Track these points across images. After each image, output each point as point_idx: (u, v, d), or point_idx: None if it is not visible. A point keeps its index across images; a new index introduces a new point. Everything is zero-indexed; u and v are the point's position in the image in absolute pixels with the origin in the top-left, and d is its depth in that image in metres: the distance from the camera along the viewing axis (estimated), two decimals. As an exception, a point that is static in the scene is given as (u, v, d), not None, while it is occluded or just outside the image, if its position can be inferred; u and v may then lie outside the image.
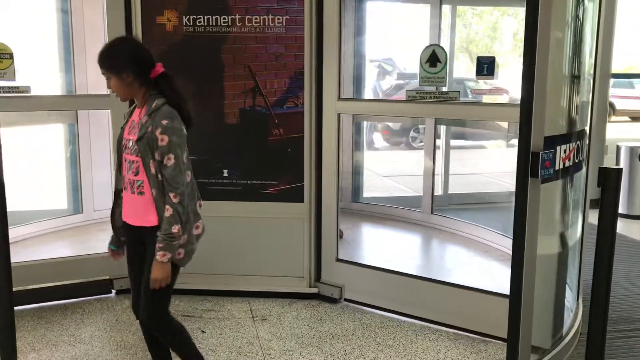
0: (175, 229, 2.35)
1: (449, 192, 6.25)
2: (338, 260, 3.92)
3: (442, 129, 6.03)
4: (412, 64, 11.28)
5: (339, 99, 3.78)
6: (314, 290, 3.93)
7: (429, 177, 5.54)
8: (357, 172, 6.01)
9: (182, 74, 3.65)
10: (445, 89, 4.01)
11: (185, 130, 2.44)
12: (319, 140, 3.82)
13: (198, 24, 3.69)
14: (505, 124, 5.35)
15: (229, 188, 3.85)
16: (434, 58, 3.54)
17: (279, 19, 3.70)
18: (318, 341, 3.33)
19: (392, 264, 3.95)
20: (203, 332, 3.42)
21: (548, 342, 3.03)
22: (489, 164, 8.31)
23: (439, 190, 6.05)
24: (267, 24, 3.71)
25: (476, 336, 3.41)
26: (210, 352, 3.17)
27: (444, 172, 6.15)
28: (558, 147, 2.59)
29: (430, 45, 3.81)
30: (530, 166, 2.47)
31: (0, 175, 2.12)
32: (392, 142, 11.20)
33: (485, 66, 3.57)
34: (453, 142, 6.43)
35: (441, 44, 5.35)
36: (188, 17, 3.67)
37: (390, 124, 10.87)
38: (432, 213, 5.45)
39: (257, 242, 3.91)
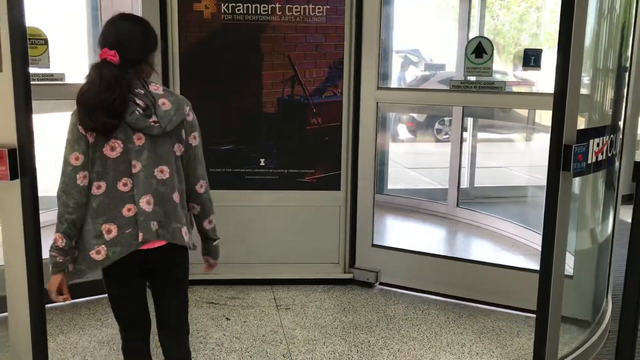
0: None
1: (475, 185, 6.20)
2: (373, 245, 4.02)
3: (469, 121, 5.97)
4: (439, 55, 11.16)
5: (378, 88, 3.84)
6: (348, 275, 4.01)
7: (455, 169, 5.48)
8: (381, 164, 5.98)
9: (219, 62, 3.68)
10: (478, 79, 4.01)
11: (75, 125, 2.02)
12: (356, 129, 3.87)
13: (237, 11, 3.66)
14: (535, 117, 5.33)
15: (266, 177, 3.87)
16: (480, 49, 3.68)
17: (319, 8, 3.73)
18: (342, 332, 3.33)
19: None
20: (227, 319, 3.44)
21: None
22: (517, 157, 8.21)
23: (465, 183, 6.00)
24: (307, 13, 3.72)
25: (505, 327, 3.38)
26: (234, 340, 3.20)
27: (470, 165, 6.10)
28: (591, 141, 2.54)
29: (477, 37, 3.93)
30: (562, 159, 2.42)
31: (32, 163, 2.14)
32: (417, 134, 11.11)
33: (532, 58, 3.86)
34: (480, 135, 6.37)
35: (469, 35, 5.31)
36: (227, 4, 3.64)
37: (415, 115, 10.78)
38: (457, 206, 5.40)
39: (292, 230, 3.96)
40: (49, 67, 3.51)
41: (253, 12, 3.68)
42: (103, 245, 2.01)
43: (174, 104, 2.10)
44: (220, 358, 3.01)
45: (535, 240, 4.47)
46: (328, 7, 3.73)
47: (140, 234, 2.02)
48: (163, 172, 2.08)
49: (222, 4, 3.64)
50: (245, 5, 3.66)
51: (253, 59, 3.74)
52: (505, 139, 8.21)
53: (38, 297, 2.23)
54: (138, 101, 2.03)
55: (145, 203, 2.03)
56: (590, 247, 3.41)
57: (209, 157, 3.63)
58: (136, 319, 2.25)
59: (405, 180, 7.68)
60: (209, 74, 3.71)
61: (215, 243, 2.35)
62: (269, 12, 3.70)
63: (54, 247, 2.02)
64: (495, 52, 3.81)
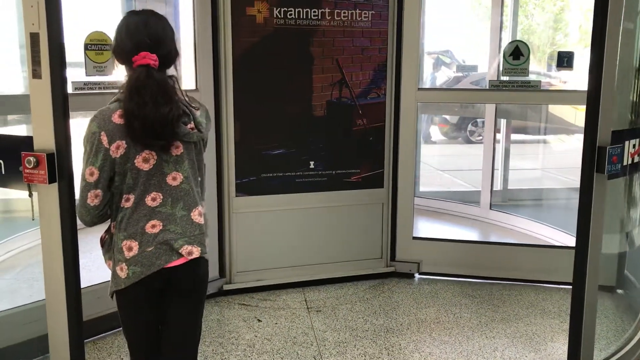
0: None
1: (509, 187, 6.12)
2: (414, 238, 4.22)
3: (502, 122, 5.90)
4: (471, 56, 11.04)
5: (419, 89, 4.05)
6: (390, 269, 4.18)
7: (488, 171, 5.42)
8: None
9: (271, 66, 3.73)
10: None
11: (96, 135, 1.84)
12: (396, 128, 4.04)
13: (289, 16, 3.70)
14: (569, 118, 5.34)
15: (315, 179, 3.93)
16: (517, 52, 3.94)
17: (365, 13, 3.84)
18: (372, 334, 3.33)
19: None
20: (259, 320, 3.47)
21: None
22: (551, 159, 8.06)
23: (498, 186, 5.92)
24: (354, 18, 3.82)
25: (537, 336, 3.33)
26: (265, 341, 3.23)
27: (503, 167, 6.03)
28: (626, 142, 2.48)
29: (514, 40, 4.19)
30: (596, 161, 2.38)
31: (69, 167, 2.20)
32: (450, 135, 11.01)
33: (566, 59, 4.16)
34: (513, 137, 6.28)
35: (502, 35, 5.28)
36: (279, 9, 3.67)
37: (448, 117, 10.69)
38: (490, 209, 5.34)
39: (337, 230, 4.05)
40: (111, 75, 3.33)
41: (304, 17, 3.73)
42: (125, 264, 1.89)
43: (201, 109, 2.00)
44: (251, 359, 3.04)
45: (569, 242, 4.39)
46: (373, 12, 3.87)
47: (187, 247, 1.90)
48: (197, 182, 2.02)
49: (275, 9, 3.67)
50: (297, 10, 3.71)
51: (304, 63, 3.79)
52: (539, 141, 8.06)
53: (75, 295, 2.28)
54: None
55: (197, 215, 1.94)
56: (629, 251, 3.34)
57: (262, 161, 3.77)
58: (147, 348, 2.03)
59: (438, 182, 7.62)
60: (262, 78, 3.73)
61: None
62: (319, 17, 3.76)
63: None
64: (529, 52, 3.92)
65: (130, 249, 1.89)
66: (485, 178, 5.44)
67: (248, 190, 3.76)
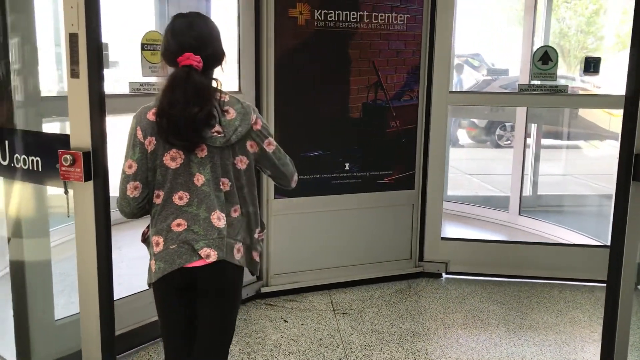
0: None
1: (538, 193, 6.04)
2: (442, 239, 4.28)
3: (533, 127, 5.82)
4: (502, 60, 10.93)
5: (450, 91, 4.12)
6: (419, 269, 4.23)
7: (517, 176, 5.36)
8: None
9: (311, 69, 3.75)
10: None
11: (133, 130, 1.93)
12: (427, 130, 4.10)
13: (329, 18, 3.71)
14: (603, 124, 5.33)
15: (350, 181, 3.95)
16: (546, 57, 4.01)
17: (401, 17, 3.88)
18: (399, 338, 3.31)
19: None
20: (285, 321, 3.49)
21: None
22: (583, 165, 7.93)
23: (527, 191, 5.85)
24: (390, 21, 3.85)
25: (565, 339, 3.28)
26: (292, 342, 3.23)
27: (533, 172, 5.95)
28: (665, 150, 2.42)
29: (543, 46, 4.25)
30: (633, 169, 2.32)
31: (105, 165, 2.24)
32: (478, 139, 10.91)
33: (592, 64, 4.23)
34: (544, 141, 6.20)
35: (534, 39, 5.23)
36: (320, 11, 3.67)
37: (476, 120, 10.59)
38: (519, 214, 5.28)
39: (368, 231, 4.06)
40: (163, 76, 3.35)
41: (343, 20, 3.74)
42: (153, 258, 1.94)
43: (240, 113, 1.92)
44: (278, 359, 3.05)
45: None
46: (408, 15, 3.90)
47: (206, 249, 1.90)
48: (224, 185, 1.95)
49: (316, 11, 3.67)
50: (336, 12, 3.71)
51: (342, 65, 3.81)
52: (571, 146, 7.93)
53: (107, 290, 2.33)
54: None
55: (217, 219, 1.92)
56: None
57: (300, 163, 3.72)
58: (178, 343, 2.06)
59: (465, 186, 7.56)
60: (301, 80, 3.74)
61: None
62: (357, 20, 3.77)
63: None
64: (560, 56, 3.93)
65: (157, 244, 1.93)
66: (515, 183, 5.38)
67: (286, 192, 3.75)
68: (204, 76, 1.88)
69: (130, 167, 1.91)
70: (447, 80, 4.09)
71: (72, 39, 2.16)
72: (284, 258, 3.86)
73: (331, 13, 3.69)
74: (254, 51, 3.59)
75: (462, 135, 10.71)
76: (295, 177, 2.15)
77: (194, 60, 1.85)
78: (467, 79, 11.13)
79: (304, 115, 3.78)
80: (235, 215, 1.98)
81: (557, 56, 4.01)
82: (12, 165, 2.42)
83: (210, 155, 1.91)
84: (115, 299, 2.39)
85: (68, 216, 2.30)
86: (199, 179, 1.91)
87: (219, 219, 1.92)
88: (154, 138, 1.89)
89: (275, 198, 3.76)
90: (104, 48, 2.72)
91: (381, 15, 3.81)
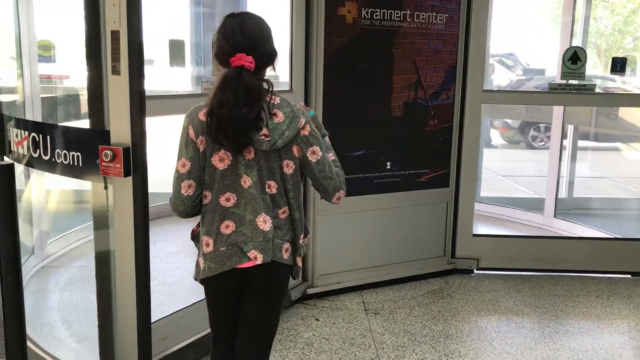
0: None
1: (574, 195, 5.92)
2: (474, 235, 4.33)
3: (570, 128, 5.72)
4: (537, 60, 10.75)
5: (483, 90, 4.14)
6: (451, 266, 4.27)
7: (553, 178, 5.26)
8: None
9: (357, 68, 3.74)
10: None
11: (186, 129, 1.93)
12: (461, 129, 4.12)
13: (375, 17, 3.69)
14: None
15: (391, 180, 3.95)
16: (575, 57, 4.11)
17: (440, 16, 3.89)
18: (431, 340, 3.28)
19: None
20: (317, 320, 3.49)
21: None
22: (621, 167, 7.75)
23: (562, 193, 5.74)
24: (430, 20, 3.86)
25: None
26: (323, 341, 3.23)
27: (569, 174, 5.84)
28: None
29: (572, 46, 4.31)
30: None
31: (144, 161, 2.27)
32: (512, 140, 10.75)
33: (619, 64, 4.39)
34: (581, 143, 6.08)
35: (574, 39, 5.15)
36: (367, 9, 3.64)
37: (509, 121, 10.43)
38: (554, 217, 5.18)
39: (404, 229, 4.07)
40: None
41: (388, 18, 3.72)
42: (202, 257, 1.97)
43: (288, 116, 1.88)
44: (310, 358, 3.05)
45: None
46: (447, 15, 3.92)
47: (254, 251, 1.91)
48: (270, 188, 1.93)
49: (363, 9, 3.64)
50: (382, 11, 3.69)
51: (386, 64, 3.80)
52: (609, 148, 7.76)
53: (144, 283, 2.36)
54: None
55: (262, 222, 1.92)
56: None
57: (345, 163, 3.69)
58: (226, 340, 2.11)
59: (499, 188, 7.45)
60: (348, 79, 3.71)
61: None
62: (401, 19, 3.76)
63: None
64: (596, 55, 3.96)
65: (207, 244, 1.95)
66: (550, 185, 5.28)
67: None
68: (256, 77, 1.86)
69: (184, 165, 1.91)
70: (481, 79, 4.10)
71: (114, 36, 2.19)
72: (328, 258, 3.84)
73: (377, 11, 3.67)
74: (304, 49, 3.56)
75: (496, 136, 10.57)
76: (340, 194, 2.07)
77: (246, 60, 1.84)
78: (500, 79, 10.97)
79: (350, 115, 3.76)
80: (283, 217, 1.98)
81: (586, 56, 4.11)
82: (53, 160, 2.47)
83: (257, 158, 1.90)
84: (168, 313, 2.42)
85: (107, 211, 2.34)
86: (246, 181, 1.91)
87: (264, 222, 1.92)
88: (204, 138, 1.90)
89: (322, 198, 3.70)
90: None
91: (422, 15, 3.81)
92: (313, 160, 1.95)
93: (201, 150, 1.91)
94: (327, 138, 2.12)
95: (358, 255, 3.94)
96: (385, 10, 3.69)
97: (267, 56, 1.92)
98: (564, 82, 4.24)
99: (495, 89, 10.47)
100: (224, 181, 1.92)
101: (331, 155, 2.08)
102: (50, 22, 4.25)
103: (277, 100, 1.91)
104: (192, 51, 5.15)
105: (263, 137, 1.86)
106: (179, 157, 1.93)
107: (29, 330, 2.36)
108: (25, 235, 3.91)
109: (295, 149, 1.93)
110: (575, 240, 4.64)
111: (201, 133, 1.90)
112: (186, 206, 1.95)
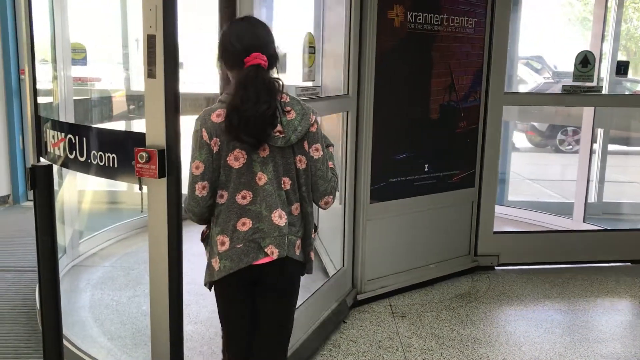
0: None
1: (604, 200, 5.84)
2: (494, 233, 4.44)
3: (600, 132, 5.64)
4: (565, 62, 10.62)
5: (505, 92, 4.25)
6: (474, 264, 4.36)
7: (582, 182, 5.20)
8: (501, 173, 5.79)
9: (401, 70, 3.75)
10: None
11: (199, 132, 1.95)
12: (485, 130, 4.21)
13: (418, 21, 3.69)
14: None
15: (428, 182, 3.97)
16: (585, 60, 4.32)
17: (470, 20, 3.93)
18: (459, 344, 3.26)
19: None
20: (344, 322, 3.49)
21: None
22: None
23: (592, 198, 5.67)
24: (463, 24, 3.90)
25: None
26: (351, 343, 3.24)
27: (598, 178, 5.76)
28: None
29: (583, 50, 4.42)
30: None
31: (178, 163, 2.30)
32: (539, 144, 10.63)
33: (622, 68, 4.87)
34: (611, 147, 5.99)
35: (605, 41, 5.13)
36: (412, 13, 3.66)
37: (536, 124, 10.32)
38: (583, 222, 5.12)
39: (433, 230, 4.10)
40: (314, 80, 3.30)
41: (429, 22, 3.74)
42: (217, 257, 1.98)
43: (299, 113, 1.97)
44: (337, 359, 3.06)
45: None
46: (476, 19, 3.99)
47: (271, 247, 1.94)
48: (285, 184, 1.99)
49: (408, 13, 3.65)
50: (424, 15, 3.70)
51: (425, 67, 3.83)
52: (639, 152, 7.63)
53: (177, 283, 2.39)
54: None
55: (278, 217, 1.95)
56: None
57: (390, 166, 3.77)
58: (242, 338, 2.12)
59: (526, 192, 7.37)
60: (393, 82, 3.71)
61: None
62: (440, 23, 3.79)
63: None
64: (626, 57, 3.96)
65: (222, 243, 1.97)
66: (580, 189, 5.22)
67: (378, 197, 3.73)
68: (270, 75, 1.94)
69: (197, 167, 1.95)
70: (502, 81, 4.17)
71: (150, 40, 2.23)
72: (375, 263, 3.83)
73: (420, 15, 3.68)
74: (358, 52, 3.54)
75: (523, 140, 10.46)
76: (329, 199, 2.08)
77: (262, 59, 1.91)
78: (529, 82, 10.86)
79: (394, 118, 3.76)
80: (296, 213, 2.03)
81: (595, 60, 4.33)
82: (89, 161, 2.53)
83: (272, 155, 1.96)
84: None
85: (142, 211, 2.38)
86: (262, 178, 1.95)
87: (280, 217, 1.96)
88: (218, 139, 1.93)
89: (370, 203, 3.71)
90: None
91: (456, 19, 3.85)
92: (314, 157, 2.02)
93: (215, 152, 1.94)
94: (330, 148, 2.20)
95: (398, 257, 3.94)
96: (427, 14, 3.71)
97: (274, 57, 1.99)
98: (577, 84, 4.40)
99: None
100: (240, 179, 1.95)
101: (330, 164, 2.14)
102: (82, 26, 4.34)
103: (287, 98, 1.99)
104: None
105: (278, 133, 1.93)
106: (192, 160, 1.97)
107: (63, 328, 2.40)
108: (59, 235, 3.98)
109: (305, 144, 2.00)
110: (592, 233, 4.87)
111: (215, 134, 1.93)
112: (201, 207, 1.99)
